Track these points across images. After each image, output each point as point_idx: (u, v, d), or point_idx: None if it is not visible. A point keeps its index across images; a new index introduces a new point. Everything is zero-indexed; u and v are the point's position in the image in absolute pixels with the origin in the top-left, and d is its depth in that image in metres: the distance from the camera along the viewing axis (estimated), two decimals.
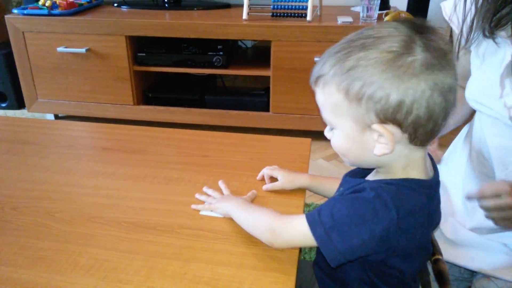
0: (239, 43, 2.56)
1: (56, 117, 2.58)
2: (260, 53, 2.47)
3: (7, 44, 2.41)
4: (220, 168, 0.99)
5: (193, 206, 0.84)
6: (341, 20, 2.05)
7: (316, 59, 2.03)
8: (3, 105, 2.70)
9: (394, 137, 0.60)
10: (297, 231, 0.67)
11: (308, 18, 2.06)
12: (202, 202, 0.86)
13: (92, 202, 0.87)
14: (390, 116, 0.58)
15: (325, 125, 0.69)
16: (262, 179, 0.93)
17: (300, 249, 0.77)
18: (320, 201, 1.77)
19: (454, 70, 0.59)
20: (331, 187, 0.87)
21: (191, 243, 0.75)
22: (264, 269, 0.70)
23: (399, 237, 0.62)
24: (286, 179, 0.89)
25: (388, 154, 0.62)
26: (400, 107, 0.57)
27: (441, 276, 0.75)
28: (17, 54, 2.33)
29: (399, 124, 0.59)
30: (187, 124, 2.32)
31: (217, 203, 0.83)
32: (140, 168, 0.99)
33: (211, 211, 0.83)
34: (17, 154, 1.05)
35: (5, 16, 2.27)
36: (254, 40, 2.58)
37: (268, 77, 2.18)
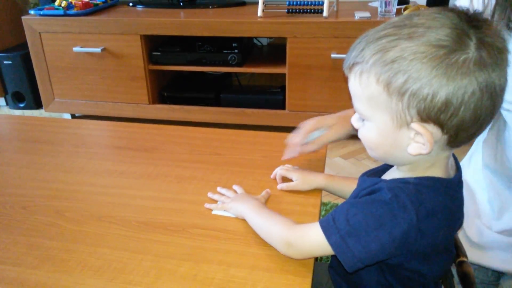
0: (255, 41, 2.53)
1: (73, 116, 2.60)
2: (275, 51, 2.44)
3: (24, 45, 2.43)
4: (233, 166, 0.96)
5: (206, 205, 0.82)
6: (358, 15, 2.01)
7: (333, 55, 1.99)
8: (21, 105, 2.72)
9: (433, 138, 0.55)
10: (313, 241, 0.63)
11: (325, 14, 2.01)
12: (215, 202, 0.83)
13: (102, 201, 0.85)
14: (434, 116, 0.53)
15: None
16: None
17: None
18: (338, 200, 1.73)
19: (506, 70, 0.54)
20: (350, 187, 0.84)
21: (202, 243, 0.73)
22: (278, 271, 0.67)
23: (419, 239, 0.58)
24: (302, 180, 0.85)
25: (424, 154, 0.57)
26: (446, 107, 0.52)
27: (466, 279, 0.70)
28: (34, 55, 2.35)
29: (441, 125, 0.54)
30: (203, 123, 2.31)
31: (231, 203, 0.80)
32: (152, 167, 0.97)
33: (224, 210, 0.80)
34: (28, 153, 1.05)
35: (22, 17, 2.29)
36: (270, 38, 2.55)
37: (284, 75, 2.15)
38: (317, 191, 0.86)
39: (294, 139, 0.90)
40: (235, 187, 0.87)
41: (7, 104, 2.80)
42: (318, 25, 1.98)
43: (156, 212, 0.81)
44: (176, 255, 0.71)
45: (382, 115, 0.57)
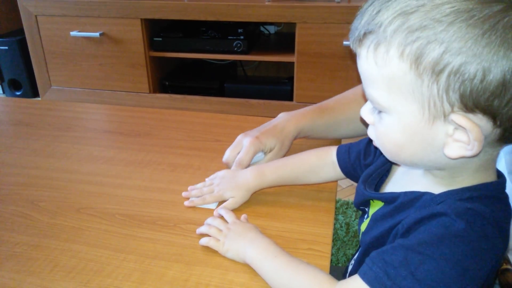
0: (261, 29, 2.42)
1: None
2: (283, 40, 2.32)
3: (21, 30, 2.33)
4: None
5: (202, 242, 0.61)
6: None
7: (345, 43, 1.87)
8: (18, 93, 2.62)
9: (483, 133, 0.41)
10: None
11: None
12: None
13: (84, 190, 0.74)
14: (484, 103, 0.39)
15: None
16: None
17: (332, 252, 0.62)
18: (350, 197, 1.61)
19: None
20: (285, 172, 0.70)
21: (196, 242, 0.62)
22: None
23: (495, 267, 0.44)
24: (236, 192, 0.69)
25: (469, 157, 0.43)
26: (502, 90, 0.38)
27: None
28: (30, 39, 2.25)
29: (493, 115, 0.40)
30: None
31: (228, 242, 0.59)
32: (143, 153, 0.86)
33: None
34: (7, 136, 0.94)
35: None
36: (278, 26, 2.43)
37: (292, 65, 2.03)
38: (332, 183, 0.74)
39: (242, 160, 0.73)
40: (222, 212, 0.66)
41: (3, 92, 2.70)
42: (329, 9, 1.86)
43: (144, 205, 0.70)
44: (164, 255, 0.60)
45: (407, 104, 0.43)
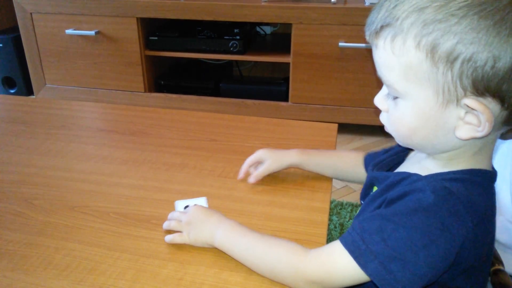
0: (258, 29, 2.41)
1: None
2: (279, 40, 2.32)
3: (16, 28, 2.31)
4: (230, 153, 0.85)
5: (167, 239, 0.62)
6: (369, 1, 1.89)
7: (341, 44, 1.87)
8: (12, 91, 2.60)
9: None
10: (343, 272, 0.50)
11: None
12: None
13: (78, 188, 0.74)
14: (494, 88, 0.43)
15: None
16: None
17: None
18: (343, 198, 1.61)
19: None
20: (329, 161, 0.75)
21: None
22: None
23: (472, 251, 0.47)
24: (271, 159, 0.74)
25: (478, 138, 0.46)
26: (511, 75, 0.42)
27: None
28: (25, 37, 2.23)
29: (501, 99, 0.44)
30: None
31: (192, 233, 0.60)
32: (138, 152, 0.85)
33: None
34: (1, 134, 0.93)
35: None
36: (274, 26, 2.43)
37: (287, 65, 2.03)
38: (326, 183, 0.75)
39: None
40: (178, 204, 0.68)
41: None
42: (325, 11, 1.86)
43: (139, 203, 0.70)
44: (159, 254, 0.60)
45: (423, 90, 0.46)
